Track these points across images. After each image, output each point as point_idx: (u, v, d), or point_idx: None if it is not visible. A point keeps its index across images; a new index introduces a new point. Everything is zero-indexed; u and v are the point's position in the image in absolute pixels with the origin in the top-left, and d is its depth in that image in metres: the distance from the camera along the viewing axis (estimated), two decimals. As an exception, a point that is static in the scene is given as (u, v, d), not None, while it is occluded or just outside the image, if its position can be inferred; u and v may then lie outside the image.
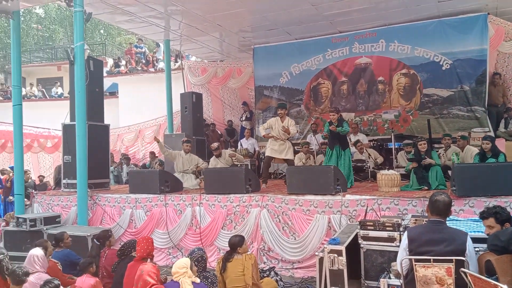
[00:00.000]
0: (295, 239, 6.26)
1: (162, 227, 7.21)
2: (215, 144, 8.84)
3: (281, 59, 11.99)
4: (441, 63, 10.27)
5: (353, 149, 8.96)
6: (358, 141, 9.29)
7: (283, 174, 9.71)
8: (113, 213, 7.67)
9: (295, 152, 10.34)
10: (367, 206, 5.82)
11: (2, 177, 11.58)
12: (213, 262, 6.33)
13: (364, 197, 6.06)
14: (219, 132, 13.62)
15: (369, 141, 10.01)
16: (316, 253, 4.80)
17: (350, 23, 10.54)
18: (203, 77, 13.81)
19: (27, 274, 4.35)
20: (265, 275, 5.40)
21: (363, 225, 4.86)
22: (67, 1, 7.48)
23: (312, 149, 9.91)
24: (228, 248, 4.88)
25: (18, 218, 7.41)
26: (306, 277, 5.97)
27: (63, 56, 25.57)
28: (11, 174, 11.42)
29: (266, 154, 8.25)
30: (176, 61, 15.28)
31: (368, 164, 8.75)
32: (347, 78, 11.39)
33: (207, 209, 6.98)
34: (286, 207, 6.40)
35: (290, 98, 12.03)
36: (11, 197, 10.98)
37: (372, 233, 4.76)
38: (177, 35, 11.30)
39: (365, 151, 9.10)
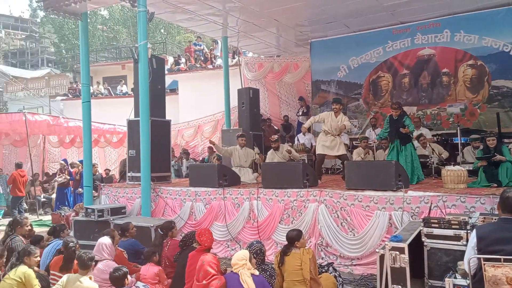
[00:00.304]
0: (354, 235, 6.15)
1: (220, 220, 7.35)
2: (274, 136, 8.85)
3: (338, 52, 11.80)
4: (511, 53, 9.64)
5: (415, 143, 8.64)
6: (421, 135, 8.93)
7: (340, 169, 9.57)
8: (174, 205, 7.92)
9: (353, 147, 10.18)
10: (431, 203, 5.58)
11: (72, 170, 12.32)
12: (270, 256, 6.36)
13: (427, 193, 5.83)
14: (275, 127, 13.65)
15: (433, 135, 9.61)
16: (377, 250, 4.68)
17: (412, 13, 10.15)
18: (259, 72, 13.90)
19: (92, 259, 4.60)
20: (323, 270, 5.35)
21: (427, 222, 4.68)
22: (131, 2, 7.79)
23: (371, 144, 9.68)
24: (286, 242, 4.89)
25: (87, 208, 7.84)
26: (366, 274, 5.85)
27: (126, 56, 26.79)
28: (80, 168, 12.14)
29: (317, 152, 8.13)
30: (233, 58, 15.48)
31: (432, 160, 8.39)
32: (409, 70, 10.98)
33: (264, 203, 7.03)
34: (345, 202, 6.30)
35: (348, 92, 11.81)
36: (80, 189, 11.68)
37: (437, 231, 4.57)
38: (235, 31, 11.43)
39: (428, 146, 8.74)
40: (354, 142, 10.58)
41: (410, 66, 10.95)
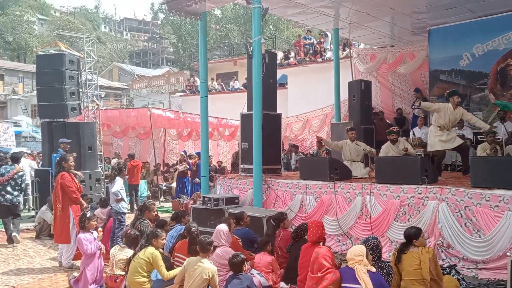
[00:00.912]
0: (480, 237, 5.64)
1: (331, 213, 7.28)
2: (395, 128, 8.43)
3: (461, 40, 10.85)
4: None
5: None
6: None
7: (461, 166, 8.83)
8: (285, 197, 8.03)
9: (477, 142, 9.34)
10: None
11: (190, 161, 13.16)
12: (384, 253, 6.12)
13: None
14: (387, 121, 13.08)
15: None
16: (508, 254, 4.25)
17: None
18: (372, 64, 13.42)
19: (211, 243, 4.87)
20: (445, 272, 5.00)
21: None
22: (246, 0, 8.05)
23: (499, 138, 8.77)
24: (402, 241, 4.66)
25: (204, 197, 8.32)
26: (493, 279, 5.34)
27: (238, 52, 27.77)
28: (196, 159, 12.93)
29: (435, 148, 7.56)
30: (344, 50, 15.16)
31: None
32: (544, 57, 9.72)
33: (378, 198, 6.78)
34: (470, 201, 5.80)
35: (471, 83, 10.83)
36: (197, 179, 12.44)
37: None
38: (346, 22, 11.16)
39: None
40: (478, 136, 9.69)
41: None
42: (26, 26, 63.36)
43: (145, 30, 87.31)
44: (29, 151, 18.21)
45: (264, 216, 6.90)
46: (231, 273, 4.72)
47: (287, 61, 18.06)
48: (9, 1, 69.65)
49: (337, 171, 7.62)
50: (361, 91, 11.27)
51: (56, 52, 11.16)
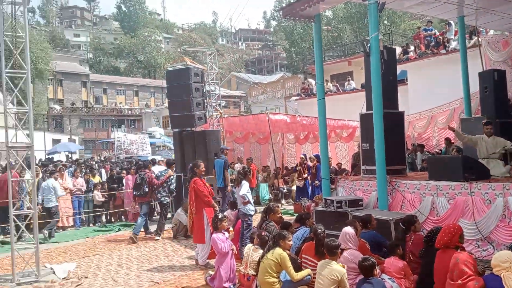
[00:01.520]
0: None
1: (467, 217, 6.69)
2: None
3: None
4: None
5: None
6: None
7: None
8: (413, 199, 7.62)
9: None
10: None
11: (310, 164, 13.23)
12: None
13: None
14: (528, 112, 11.65)
15: None
16: None
17: None
18: (504, 51, 12.12)
19: (337, 247, 4.84)
20: None
21: None
22: (361, -4, 7.86)
23: None
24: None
25: (326, 199, 8.29)
26: None
27: (351, 52, 27.22)
28: (315, 162, 12.95)
29: None
30: (470, 38, 13.93)
31: None
32: None
33: (523, 200, 6.08)
34: None
35: None
36: (317, 182, 12.45)
37: None
38: (472, 9, 10.22)
39: None
40: None
41: None
42: (154, 45, 70.22)
43: (258, 39, 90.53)
44: (162, 159, 20.00)
45: (391, 219, 6.64)
46: (360, 277, 4.63)
47: (406, 56, 17.20)
48: (138, 24, 77.84)
49: (472, 170, 6.98)
50: (494, 81, 10.21)
51: (183, 67, 12.14)
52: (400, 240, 5.61)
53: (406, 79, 16.85)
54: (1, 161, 19.00)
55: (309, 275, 5.22)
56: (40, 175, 11.58)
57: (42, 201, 10.30)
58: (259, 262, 5.46)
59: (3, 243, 9.77)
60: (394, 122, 8.62)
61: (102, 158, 23.43)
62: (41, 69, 40.03)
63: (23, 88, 7.40)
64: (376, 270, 4.53)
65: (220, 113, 13.66)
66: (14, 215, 6.93)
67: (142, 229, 10.09)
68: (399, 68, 16.94)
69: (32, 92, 18.68)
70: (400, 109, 9.15)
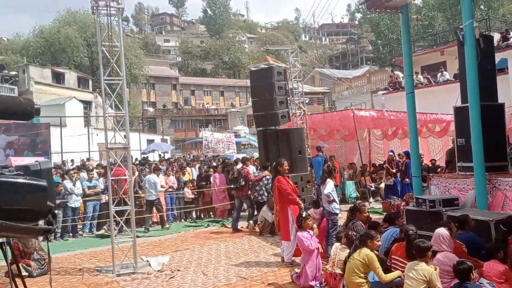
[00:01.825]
0: None
1: None
2: None
3: None
4: None
5: None
6: None
7: None
8: (517, 199, 6.98)
9: None
10: None
11: (401, 160, 12.67)
12: None
13: None
14: None
15: None
16: None
17: None
18: None
19: (427, 248, 4.62)
20: None
21: None
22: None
23: None
24: None
25: (417, 198, 7.87)
26: None
27: (444, 41, 25.59)
28: (404, 159, 12.39)
29: None
30: None
31: None
32: None
33: None
34: None
35: None
36: (407, 179, 11.91)
37: None
38: None
39: None
40: None
41: None
42: (238, 45, 72.05)
43: (342, 33, 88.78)
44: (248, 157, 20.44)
45: (491, 219, 6.13)
46: (455, 281, 4.36)
47: (505, 42, 15.78)
48: (223, 26, 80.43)
49: None
50: None
51: (266, 66, 12.26)
52: (501, 243, 5.17)
53: (507, 68, 15.42)
54: (102, 161, 20.76)
55: (399, 277, 5.03)
56: (136, 173, 12.42)
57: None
58: (345, 261, 5.36)
59: (103, 236, 10.67)
60: (493, 115, 7.96)
61: (192, 157, 24.53)
62: (135, 74, 43.11)
63: (119, 93, 8.00)
64: (473, 274, 4.23)
65: (304, 110, 13.59)
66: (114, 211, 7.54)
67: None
68: (498, 56, 15.60)
69: (128, 96, 20.17)
70: (500, 100, 8.43)
